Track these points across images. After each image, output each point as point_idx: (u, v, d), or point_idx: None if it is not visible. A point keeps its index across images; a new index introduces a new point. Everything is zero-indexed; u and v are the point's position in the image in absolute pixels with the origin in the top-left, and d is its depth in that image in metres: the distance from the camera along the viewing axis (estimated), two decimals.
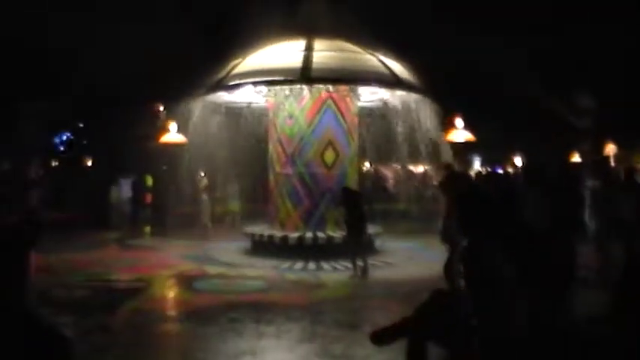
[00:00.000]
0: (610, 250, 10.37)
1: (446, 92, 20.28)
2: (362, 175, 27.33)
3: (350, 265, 12.47)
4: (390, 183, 30.43)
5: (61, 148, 40.81)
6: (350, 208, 12.61)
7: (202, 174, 19.80)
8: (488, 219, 5.08)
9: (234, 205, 21.00)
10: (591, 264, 10.48)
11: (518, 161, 35.91)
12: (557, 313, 5.77)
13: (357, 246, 12.48)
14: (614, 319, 5.14)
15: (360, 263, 12.25)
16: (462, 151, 24.45)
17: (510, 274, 4.99)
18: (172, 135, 22.72)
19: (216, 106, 16.36)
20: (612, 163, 27.26)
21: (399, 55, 15.61)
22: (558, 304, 5.89)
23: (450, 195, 11.73)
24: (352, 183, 15.48)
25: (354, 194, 13.15)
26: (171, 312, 10.37)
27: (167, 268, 13.45)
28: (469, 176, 13.10)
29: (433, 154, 16.47)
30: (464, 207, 5.24)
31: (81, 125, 40.05)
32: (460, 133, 23.98)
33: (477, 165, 39.62)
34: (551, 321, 5.49)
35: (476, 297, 5.09)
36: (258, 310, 9.42)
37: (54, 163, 36.67)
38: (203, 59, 16.38)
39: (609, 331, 5.24)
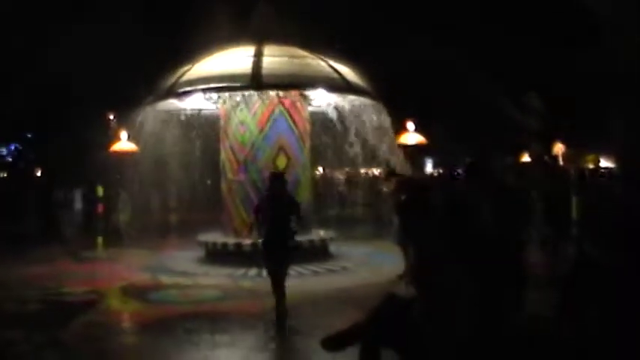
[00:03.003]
0: (559, 250, 10.57)
1: (398, 96, 20.50)
2: (315, 181, 27.44)
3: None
4: (343, 188, 30.53)
5: (9, 159, 40.09)
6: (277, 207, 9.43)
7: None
8: (433, 223, 5.15)
9: (125, 216, 20.44)
10: (541, 264, 10.71)
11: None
12: (507, 313, 5.85)
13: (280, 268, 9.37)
14: (562, 316, 5.24)
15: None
16: (414, 153, 24.64)
17: (460, 276, 5.06)
18: (123, 143, 22.46)
19: (167, 114, 16.21)
20: (561, 163, 27.86)
21: (350, 59, 15.69)
22: (508, 304, 5.98)
23: (398, 200, 11.91)
24: (305, 188, 15.51)
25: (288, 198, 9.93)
26: (126, 324, 10.26)
27: (121, 279, 13.28)
28: (416, 180, 13.19)
29: (385, 157, 16.55)
30: (407, 214, 5.31)
31: (29, 135, 39.35)
32: (412, 136, 24.20)
33: (429, 167, 40.05)
34: (501, 322, 5.56)
35: (427, 300, 5.15)
36: (213, 319, 9.37)
37: (2, 174, 36.04)
38: (154, 66, 16.23)
39: (558, 329, 5.33)
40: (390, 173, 14.79)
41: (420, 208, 5.97)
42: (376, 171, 25.14)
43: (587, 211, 9.64)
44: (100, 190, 20.92)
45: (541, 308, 5.83)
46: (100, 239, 20.19)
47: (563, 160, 28.92)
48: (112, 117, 30.50)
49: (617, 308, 4.80)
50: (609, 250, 5.26)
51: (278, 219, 9.34)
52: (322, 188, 29.83)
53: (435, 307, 5.06)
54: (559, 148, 29.90)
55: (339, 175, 31.66)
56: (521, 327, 5.91)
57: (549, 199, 10.92)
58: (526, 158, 32.33)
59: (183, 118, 16.63)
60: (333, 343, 5.52)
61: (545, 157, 31.18)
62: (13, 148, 40.36)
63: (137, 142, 18.09)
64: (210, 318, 9.48)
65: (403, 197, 11.10)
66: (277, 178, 9.88)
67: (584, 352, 4.89)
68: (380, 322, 5.29)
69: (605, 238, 5.65)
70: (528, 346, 5.34)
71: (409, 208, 8.23)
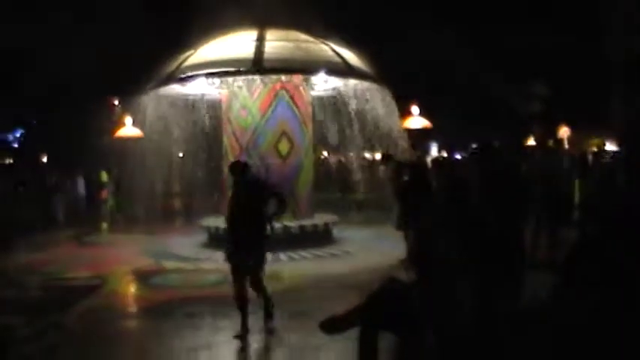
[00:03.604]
0: (558, 234, 10.54)
1: (402, 80, 20.40)
2: (320, 165, 27.38)
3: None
4: (347, 172, 30.49)
5: (15, 145, 40.18)
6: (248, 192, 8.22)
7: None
8: (433, 208, 5.14)
9: (112, 204, 20.61)
10: (540, 247, 10.70)
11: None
12: (506, 297, 5.84)
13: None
14: (561, 299, 5.23)
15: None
16: (419, 138, 24.58)
17: (459, 259, 5.06)
18: (128, 129, 22.45)
19: (170, 99, 16.21)
20: (566, 146, 27.74)
21: (354, 43, 15.63)
22: (508, 288, 5.97)
23: (398, 184, 11.89)
24: (308, 173, 15.50)
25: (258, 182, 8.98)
26: (128, 309, 10.31)
27: (124, 264, 13.33)
28: (419, 164, 13.12)
29: (390, 141, 16.51)
30: (407, 198, 5.29)
31: (35, 122, 39.43)
32: (416, 120, 24.09)
33: (434, 151, 39.97)
34: (500, 306, 5.55)
35: (425, 285, 5.14)
36: (214, 303, 9.39)
37: (8, 161, 36.12)
38: (157, 51, 16.18)
39: (557, 312, 5.31)
40: (386, 157, 14.81)
41: (419, 191, 5.94)
42: (379, 155, 25.12)
43: (588, 194, 9.65)
44: (104, 176, 20.88)
45: (540, 291, 5.79)
46: (103, 224, 20.22)
47: (568, 143, 28.79)
48: (116, 102, 30.48)
49: (618, 290, 4.77)
50: (611, 233, 5.23)
51: (244, 214, 7.95)
52: (327, 172, 29.84)
53: (434, 291, 5.06)
54: (564, 132, 29.73)
55: (344, 160, 31.62)
56: (520, 311, 5.90)
57: (550, 182, 10.85)
58: (531, 142, 32.18)
59: (186, 103, 16.63)
60: (332, 326, 5.54)
61: (550, 141, 31.07)
62: (18, 134, 40.45)
63: (141, 128, 18.11)
64: (212, 302, 9.50)
65: (404, 180, 11.10)
66: (237, 170, 8.33)
67: (583, 334, 4.86)
68: (379, 306, 5.30)
69: (606, 220, 5.62)
70: (526, 330, 5.32)
71: (408, 191, 8.17)
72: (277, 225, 9.01)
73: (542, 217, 10.59)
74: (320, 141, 19.86)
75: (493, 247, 5.42)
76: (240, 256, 7.97)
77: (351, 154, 23.51)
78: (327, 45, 14.84)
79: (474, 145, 7.23)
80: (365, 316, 5.27)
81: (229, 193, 8.63)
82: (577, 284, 5.14)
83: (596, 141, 30.57)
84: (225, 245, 8.32)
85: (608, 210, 6.02)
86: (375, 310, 5.26)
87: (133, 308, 10.33)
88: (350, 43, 15.46)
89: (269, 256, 8.47)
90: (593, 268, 4.98)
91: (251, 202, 8.03)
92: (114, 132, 23.60)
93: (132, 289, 11.62)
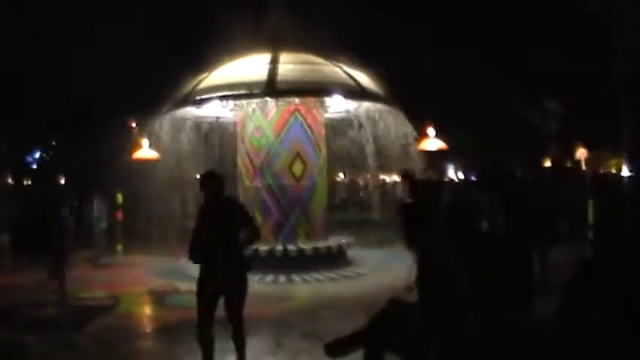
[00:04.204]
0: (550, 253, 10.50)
1: (419, 101, 20.45)
2: (336, 185, 27.42)
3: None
4: (364, 193, 30.52)
5: (33, 166, 40.53)
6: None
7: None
8: (439, 227, 5.16)
9: (104, 223, 19.95)
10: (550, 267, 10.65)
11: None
12: (513, 317, 5.83)
13: None
14: (566, 319, 5.23)
15: None
16: (435, 159, 24.55)
17: (466, 281, 5.06)
18: (145, 151, 22.60)
19: (185, 121, 16.38)
20: (583, 167, 27.62)
21: (369, 65, 15.73)
22: (516, 310, 5.95)
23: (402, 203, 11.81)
24: (322, 194, 15.56)
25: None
26: (141, 329, 10.35)
27: (139, 284, 13.42)
28: (433, 183, 13.07)
29: (405, 163, 16.51)
30: (412, 216, 5.33)
31: (53, 143, 39.79)
32: (432, 142, 24.05)
33: (450, 173, 39.89)
34: (507, 326, 5.54)
35: (432, 305, 5.15)
36: (226, 324, 9.40)
37: (26, 182, 36.41)
38: (174, 73, 16.36)
39: (562, 332, 5.30)
40: (404, 174, 14.76)
41: (421, 211, 5.95)
42: (396, 177, 25.10)
43: (600, 215, 9.62)
44: (119, 198, 21.01)
45: (546, 310, 5.78)
46: (118, 245, 20.33)
47: (585, 164, 28.68)
48: (134, 124, 30.71)
49: (626, 311, 4.77)
50: (621, 253, 5.23)
51: (219, 235, 6.96)
52: (343, 194, 29.89)
53: (438, 312, 5.07)
54: (581, 153, 29.63)
55: (360, 181, 31.69)
56: (527, 331, 5.88)
57: (562, 203, 10.86)
58: (548, 163, 32.11)
59: (201, 125, 16.79)
60: (337, 348, 5.55)
61: (568, 162, 30.99)
62: (37, 155, 40.82)
63: (157, 150, 18.27)
64: (223, 323, 9.51)
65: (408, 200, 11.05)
66: (209, 180, 7.23)
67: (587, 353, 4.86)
68: (383, 327, 5.31)
69: (616, 240, 5.62)
70: (533, 351, 5.32)
71: (410, 211, 8.14)
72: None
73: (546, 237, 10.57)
74: (335, 162, 19.91)
75: (499, 267, 5.42)
76: (218, 284, 7.03)
77: (368, 175, 23.53)
78: (339, 67, 14.94)
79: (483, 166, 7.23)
80: (369, 338, 5.29)
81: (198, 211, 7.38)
82: (585, 306, 5.14)
83: (614, 161, 30.42)
84: (201, 272, 7.23)
85: (617, 232, 6.01)
86: (379, 331, 5.28)
87: (146, 329, 10.38)
88: (365, 65, 15.56)
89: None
90: (601, 290, 4.97)
91: (228, 223, 7.01)
92: (131, 154, 23.76)
93: (145, 309, 11.69)
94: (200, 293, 7.17)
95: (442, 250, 5.28)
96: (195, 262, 7.18)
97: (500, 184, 7.20)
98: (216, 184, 7.16)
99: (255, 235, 7.29)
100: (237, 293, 7.14)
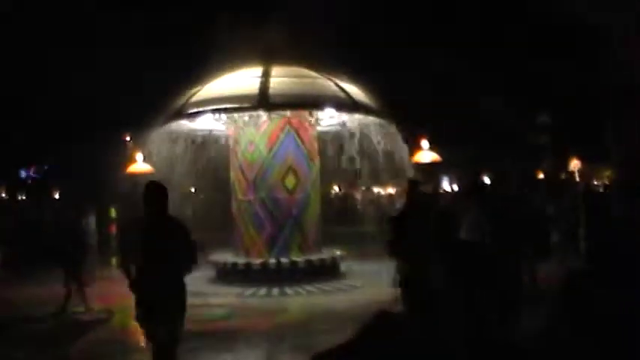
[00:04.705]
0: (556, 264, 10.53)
1: (412, 113, 20.51)
2: (331, 198, 27.46)
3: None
4: (360, 206, 30.53)
5: (29, 181, 40.53)
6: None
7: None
8: (424, 239, 5.19)
9: (92, 239, 19.50)
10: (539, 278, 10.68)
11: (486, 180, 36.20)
12: (502, 331, 5.85)
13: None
14: (554, 333, 5.24)
15: None
16: (429, 171, 24.59)
17: (453, 293, 5.08)
18: (139, 165, 22.60)
19: (179, 134, 16.39)
20: (577, 179, 27.69)
21: (362, 78, 15.79)
22: (503, 322, 5.97)
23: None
24: (315, 207, 15.59)
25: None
26: (133, 343, 10.31)
27: (132, 299, 13.35)
28: (428, 195, 13.08)
29: (399, 175, 16.55)
30: (396, 228, 5.36)
31: (49, 158, 39.83)
32: (426, 154, 24.10)
33: (445, 185, 39.91)
34: (495, 335, 5.56)
35: (419, 317, 5.17)
36: (219, 337, 9.43)
37: (21, 197, 36.43)
38: (167, 86, 16.41)
39: (550, 346, 5.31)
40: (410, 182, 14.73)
41: (415, 215, 6.00)
42: (391, 189, 25.16)
43: (586, 227, 9.68)
44: (113, 212, 21.03)
45: (533, 321, 5.81)
46: (113, 259, 20.28)
47: (579, 176, 28.78)
48: (128, 138, 30.73)
49: (609, 322, 4.78)
50: (602, 266, 5.24)
51: (160, 257, 6.17)
52: (338, 206, 29.90)
53: (426, 322, 5.08)
54: (575, 165, 29.75)
55: (355, 194, 31.72)
56: (515, 341, 5.91)
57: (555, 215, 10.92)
58: (541, 175, 32.19)
59: (194, 138, 16.81)
60: None
61: (562, 174, 31.07)
62: (32, 171, 40.82)
63: (151, 163, 18.28)
64: (216, 336, 9.54)
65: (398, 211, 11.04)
66: (153, 193, 6.31)
67: None
68: (370, 339, 5.31)
69: (598, 252, 5.64)
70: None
71: (397, 221, 8.12)
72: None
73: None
74: (328, 175, 19.94)
75: (485, 275, 5.44)
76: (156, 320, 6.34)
77: (362, 188, 23.59)
78: (331, 80, 15.01)
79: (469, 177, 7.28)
80: (356, 350, 5.29)
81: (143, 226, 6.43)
82: (572, 317, 5.15)
83: (608, 173, 30.51)
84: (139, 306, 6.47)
85: (602, 244, 6.03)
86: (366, 343, 5.28)
87: (138, 342, 10.34)
88: (357, 78, 15.62)
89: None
90: (587, 302, 4.99)
91: (170, 245, 6.19)
92: (126, 167, 23.77)
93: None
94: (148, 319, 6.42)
95: (429, 260, 5.31)
96: (134, 292, 6.45)
97: (483, 195, 7.26)
98: (161, 199, 6.31)
99: (190, 267, 6.50)
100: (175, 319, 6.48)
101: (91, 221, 21.40)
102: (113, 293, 14.01)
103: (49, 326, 11.00)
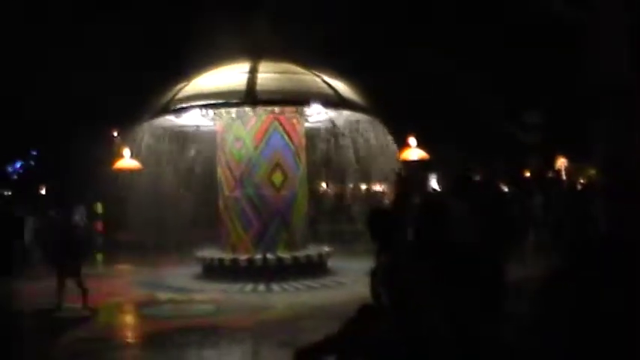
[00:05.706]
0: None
1: (400, 111, 20.51)
2: (320, 195, 27.39)
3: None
4: (349, 204, 30.43)
5: (14, 177, 40.26)
6: None
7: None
8: (403, 236, 5.17)
9: (29, 236, 19.33)
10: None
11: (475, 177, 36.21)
12: (484, 328, 5.84)
13: None
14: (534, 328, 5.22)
15: None
16: (417, 169, 24.61)
17: (434, 289, 5.07)
18: (126, 160, 22.50)
19: (165, 130, 16.33)
20: (563, 177, 27.77)
21: (350, 76, 15.77)
22: (486, 319, 5.97)
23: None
24: (302, 204, 15.56)
25: None
26: (118, 339, 10.26)
27: (117, 295, 13.34)
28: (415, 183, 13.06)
29: (387, 172, 16.55)
30: (377, 224, 5.34)
31: (34, 153, 39.61)
32: (414, 152, 24.14)
33: (433, 183, 39.91)
34: (478, 331, 5.55)
35: (399, 312, 5.16)
36: (204, 334, 9.40)
37: (6, 193, 36.14)
38: (154, 81, 16.34)
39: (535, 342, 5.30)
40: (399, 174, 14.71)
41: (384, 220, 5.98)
42: (379, 187, 25.11)
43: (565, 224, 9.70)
44: (99, 208, 20.93)
45: (516, 320, 5.81)
46: (99, 256, 20.23)
47: (566, 174, 28.85)
48: (115, 134, 30.59)
49: (589, 320, 4.78)
50: (584, 263, 5.24)
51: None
52: (327, 204, 29.83)
53: (408, 317, 5.07)
54: (562, 163, 29.82)
55: (343, 191, 31.64)
56: (498, 337, 5.90)
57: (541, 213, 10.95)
58: (527, 174, 32.27)
59: (181, 134, 16.75)
60: (307, 355, 5.54)
61: (549, 172, 31.14)
62: (18, 166, 40.56)
63: (138, 159, 18.21)
64: (201, 332, 9.51)
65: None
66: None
67: None
68: (354, 333, 5.31)
69: (580, 251, 5.63)
70: (504, 356, 5.33)
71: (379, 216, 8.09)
72: None
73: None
74: (317, 172, 19.92)
75: (467, 271, 5.43)
76: None
77: (350, 185, 23.55)
78: (319, 77, 14.97)
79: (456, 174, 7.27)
80: (340, 344, 5.29)
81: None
82: (553, 314, 5.15)
83: (594, 171, 30.55)
84: None
85: (583, 241, 6.02)
86: (350, 337, 5.28)
87: (122, 339, 10.30)
88: (346, 75, 15.61)
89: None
90: (566, 299, 4.99)
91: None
92: (113, 163, 23.66)
93: (123, 319, 11.62)
94: None
95: (410, 255, 5.30)
96: None
97: (469, 193, 7.24)
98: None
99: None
100: None
101: (81, 216, 21.35)
102: (97, 291, 13.95)
103: (31, 324, 10.90)
